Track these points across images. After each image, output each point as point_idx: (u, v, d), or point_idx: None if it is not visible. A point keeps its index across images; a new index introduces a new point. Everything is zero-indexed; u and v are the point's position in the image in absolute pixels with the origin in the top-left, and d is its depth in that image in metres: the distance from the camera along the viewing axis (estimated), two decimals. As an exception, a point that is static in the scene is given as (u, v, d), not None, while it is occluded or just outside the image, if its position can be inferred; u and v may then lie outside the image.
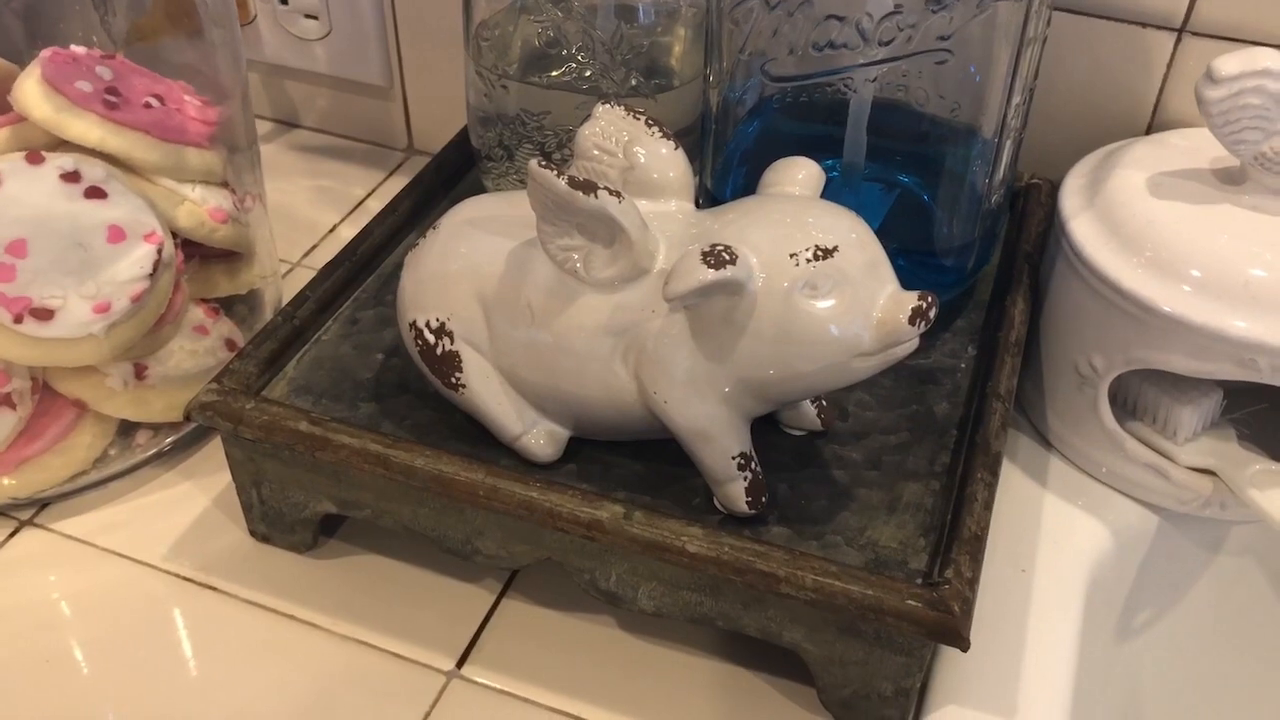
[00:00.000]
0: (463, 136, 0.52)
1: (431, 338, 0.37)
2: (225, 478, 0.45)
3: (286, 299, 0.52)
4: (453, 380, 0.37)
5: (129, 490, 0.45)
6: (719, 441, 0.35)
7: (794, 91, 0.42)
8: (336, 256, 0.45)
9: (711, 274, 0.31)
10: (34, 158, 0.42)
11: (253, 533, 0.43)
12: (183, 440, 0.46)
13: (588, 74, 0.43)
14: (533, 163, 0.33)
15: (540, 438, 0.38)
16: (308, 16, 0.60)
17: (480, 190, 0.50)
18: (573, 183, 0.33)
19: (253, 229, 0.48)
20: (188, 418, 0.39)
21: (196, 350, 0.46)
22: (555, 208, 0.34)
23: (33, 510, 0.44)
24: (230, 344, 0.47)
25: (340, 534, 0.43)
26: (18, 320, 0.40)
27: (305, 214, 0.60)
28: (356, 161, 0.64)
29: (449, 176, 0.51)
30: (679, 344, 0.34)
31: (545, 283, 0.35)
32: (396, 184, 0.62)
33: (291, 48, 0.61)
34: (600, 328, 0.35)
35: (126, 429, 0.45)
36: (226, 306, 0.49)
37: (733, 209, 0.35)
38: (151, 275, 0.42)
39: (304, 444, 0.38)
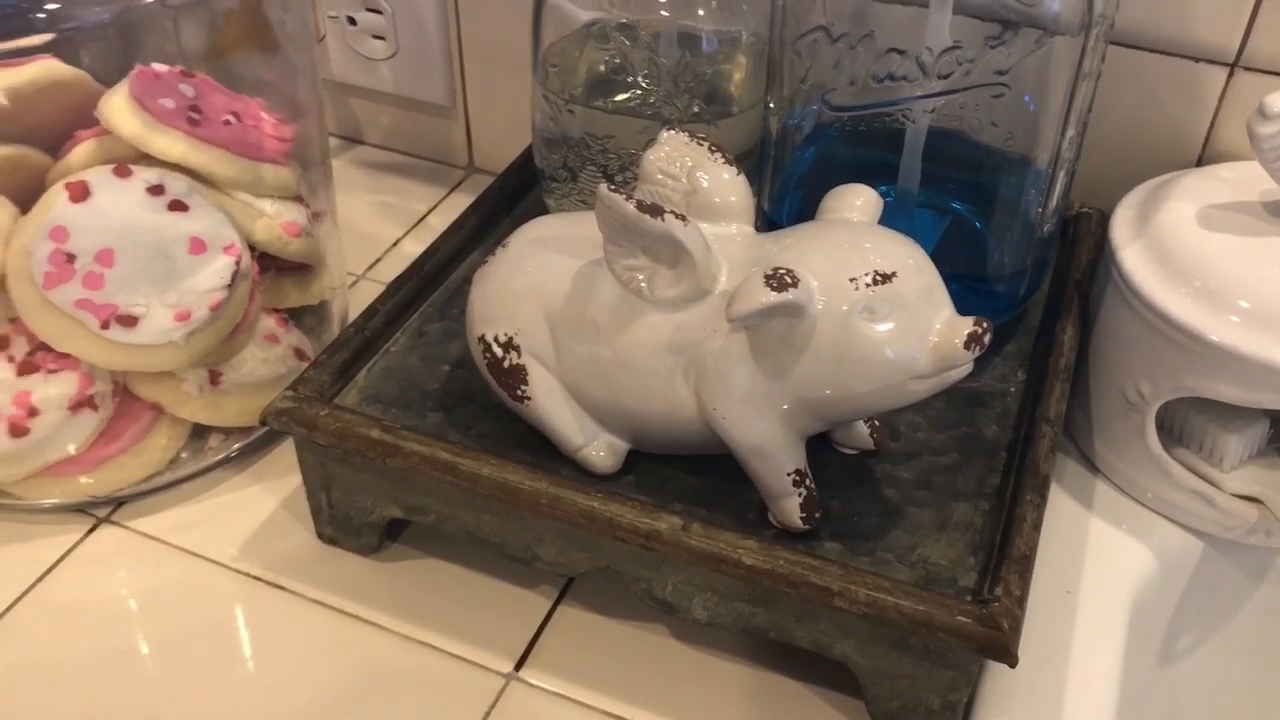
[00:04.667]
0: (525, 157, 0.53)
1: (499, 351, 0.39)
2: (293, 481, 0.46)
3: (352, 310, 0.54)
4: (518, 392, 0.39)
5: (200, 491, 0.47)
6: (775, 458, 0.36)
7: (852, 120, 0.43)
8: (405, 271, 0.47)
9: (774, 296, 0.33)
10: (121, 171, 0.44)
11: (320, 535, 0.44)
12: (252, 445, 0.48)
13: (651, 100, 0.45)
14: (602, 187, 0.35)
15: (601, 449, 0.39)
16: (375, 37, 0.62)
17: (542, 209, 0.51)
18: (641, 206, 0.34)
19: (323, 243, 0.50)
20: (264, 423, 0.41)
21: (268, 358, 0.48)
22: (623, 230, 0.35)
23: (109, 508, 0.46)
24: (299, 353, 0.49)
25: (403, 538, 0.45)
26: (105, 326, 0.42)
27: (369, 228, 0.62)
28: (418, 178, 0.66)
29: (511, 195, 0.53)
30: (739, 362, 0.35)
31: (610, 301, 0.37)
32: (457, 200, 0.64)
33: (359, 67, 0.64)
34: (662, 345, 0.36)
35: (199, 432, 0.47)
36: (295, 317, 0.51)
37: (792, 234, 0.36)
38: (230, 286, 0.44)
39: (375, 450, 0.39)
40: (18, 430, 0.43)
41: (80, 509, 0.46)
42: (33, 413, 0.43)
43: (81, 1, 0.40)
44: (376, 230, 0.62)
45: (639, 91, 0.45)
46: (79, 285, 0.41)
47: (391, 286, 0.46)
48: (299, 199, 0.49)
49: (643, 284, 0.36)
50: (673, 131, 0.39)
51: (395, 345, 0.45)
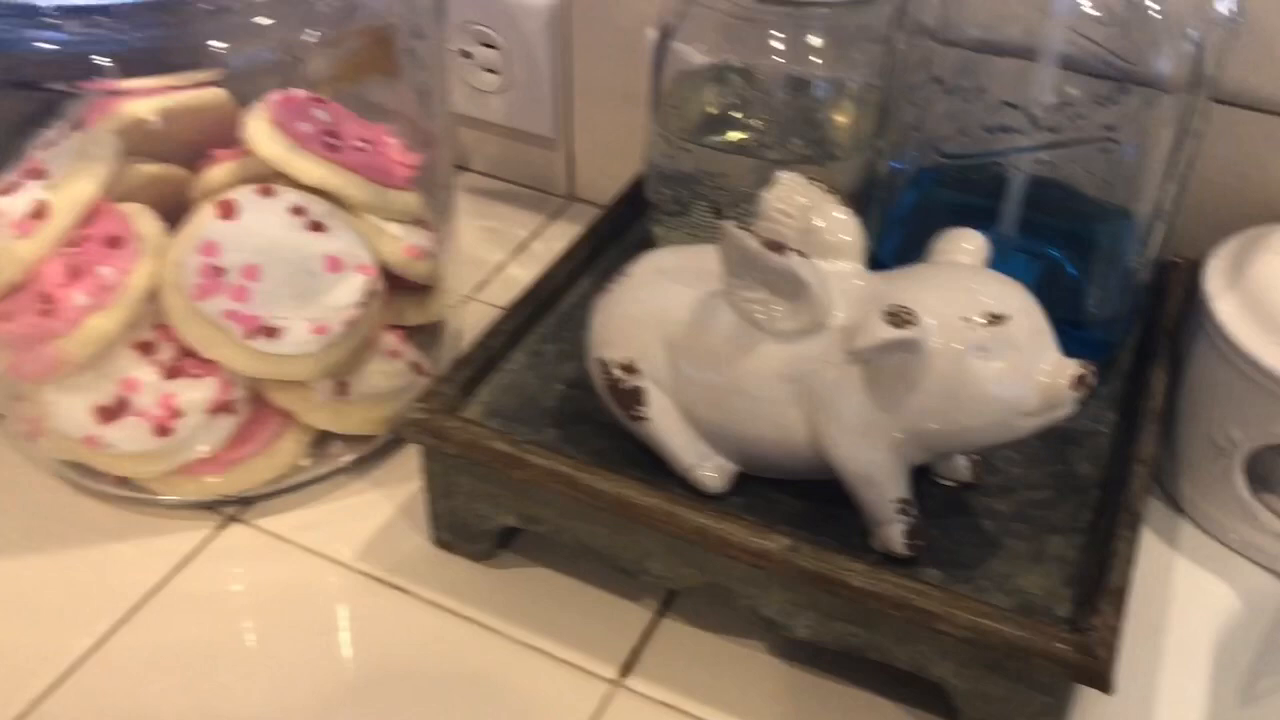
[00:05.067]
0: (632, 188, 0.56)
1: (618, 373, 0.41)
2: (409, 488, 0.49)
3: (464, 329, 0.57)
4: (635, 413, 0.41)
5: (322, 495, 0.50)
6: (882, 486, 0.38)
7: (954, 165, 0.45)
8: (523, 295, 0.50)
9: (894, 333, 0.35)
10: (266, 191, 0.47)
11: (436, 540, 0.47)
12: (372, 453, 0.51)
13: (763, 141, 0.47)
14: (728, 224, 0.37)
15: (711, 470, 0.41)
16: (488, 70, 0.65)
17: (647, 238, 0.54)
18: (765, 243, 0.36)
19: (441, 264, 0.53)
20: (395, 432, 0.44)
21: (389, 372, 0.50)
22: (745, 264, 0.38)
23: (237, 507, 0.49)
24: (417, 367, 0.52)
25: (513, 546, 0.47)
26: (249, 336, 0.45)
27: (475, 251, 0.65)
28: (520, 205, 0.69)
29: (618, 225, 0.55)
30: (852, 394, 0.37)
31: (728, 330, 0.39)
32: (557, 228, 0.67)
33: (470, 98, 0.67)
34: (777, 374, 0.38)
35: (322, 440, 0.50)
36: (410, 333, 0.54)
37: (907, 274, 0.39)
38: (363, 303, 0.47)
39: (500, 462, 0.42)
40: (162, 430, 0.46)
41: (211, 506, 0.49)
42: (176, 414, 0.46)
43: (245, 38, 0.43)
44: (482, 254, 0.65)
45: (751, 133, 0.47)
46: (227, 297, 0.44)
47: (512, 309, 0.49)
48: (421, 223, 0.52)
49: (761, 316, 0.38)
50: (790, 173, 0.41)
51: (513, 364, 0.48)
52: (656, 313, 0.41)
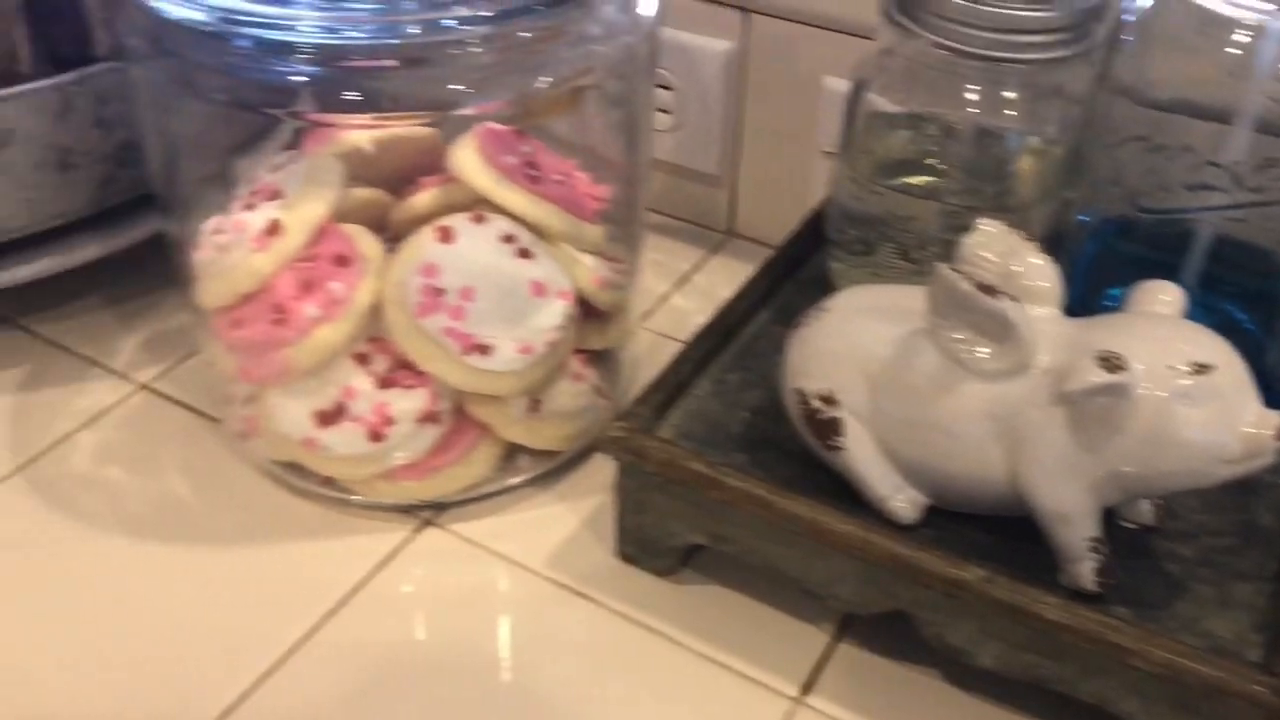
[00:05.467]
0: (804, 227, 0.58)
1: (817, 404, 0.43)
2: (592, 502, 0.52)
3: (636, 356, 0.59)
4: (832, 443, 0.43)
5: (510, 505, 0.53)
6: (1077, 524, 0.40)
7: (1144, 220, 0.47)
8: (707, 327, 0.52)
9: (1105, 377, 0.36)
10: (478, 219, 0.50)
11: (621, 554, 0.49)
12: (557, 468, 0.54)
13: (953, 188, 0.49)
14: (942, 266, 0.39)
15: (904, 502, 0.43)
16: (661, 110, 0.68)
17: (823, 276, 0.56)
18: (979, 286, 0.38)
19: (626, 295, 0.56)
20: (596, 448, 0.46)
21: (575, 392, 0.53)
22: (954, 305, 0.40)
23: (432, 512, 0.52)
24: (599, 390, 0.55)
25: (694, 563, 0.49)
26: (465, 353, 0.48)
27: (641, 283, 0.67)
28: (682, 239, 0.71)
29: (793, 262, 0.57)
30: (1055, 435, 0.39)
31: (931, 369, 0.41)
32: (718, 261, 0.69)
33: (641, 135, 0.70)
34: (980, 413, 0.40)
35: (511, 453, 0.53)
36: (591, 357, 0.56)
37: (1107, 322, 0.40)
38: (563, 326, 0.50)
39: (697, 482, 0.44)
40: (376, 435, 0.49)
41: (408, 510, 0.52)
42: (389, 421, 0.49)
43: (484, 84, 0.46)
44: (648, 284, 0.67)
45: (941, 179, 0.50)
46: (445, 316, 0.48)
47: (697, 338, 0.51)
48: (606, 255, 0.54)
49: (966, 356, 0.40)
50: (989, 221, 0.43)
51: (699, 390, 0.50)
52: (858, 348, 0.43)
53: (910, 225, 0.50)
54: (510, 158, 0.51)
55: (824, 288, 0.56)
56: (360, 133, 0.52)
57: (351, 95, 0.45)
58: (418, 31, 0.43)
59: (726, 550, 0.46)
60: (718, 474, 0.44)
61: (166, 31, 0.45)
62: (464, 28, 0.44)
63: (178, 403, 0.57)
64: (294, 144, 0.52)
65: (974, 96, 0.48)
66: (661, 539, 0.48)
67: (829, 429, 0.43)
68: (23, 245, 0.55)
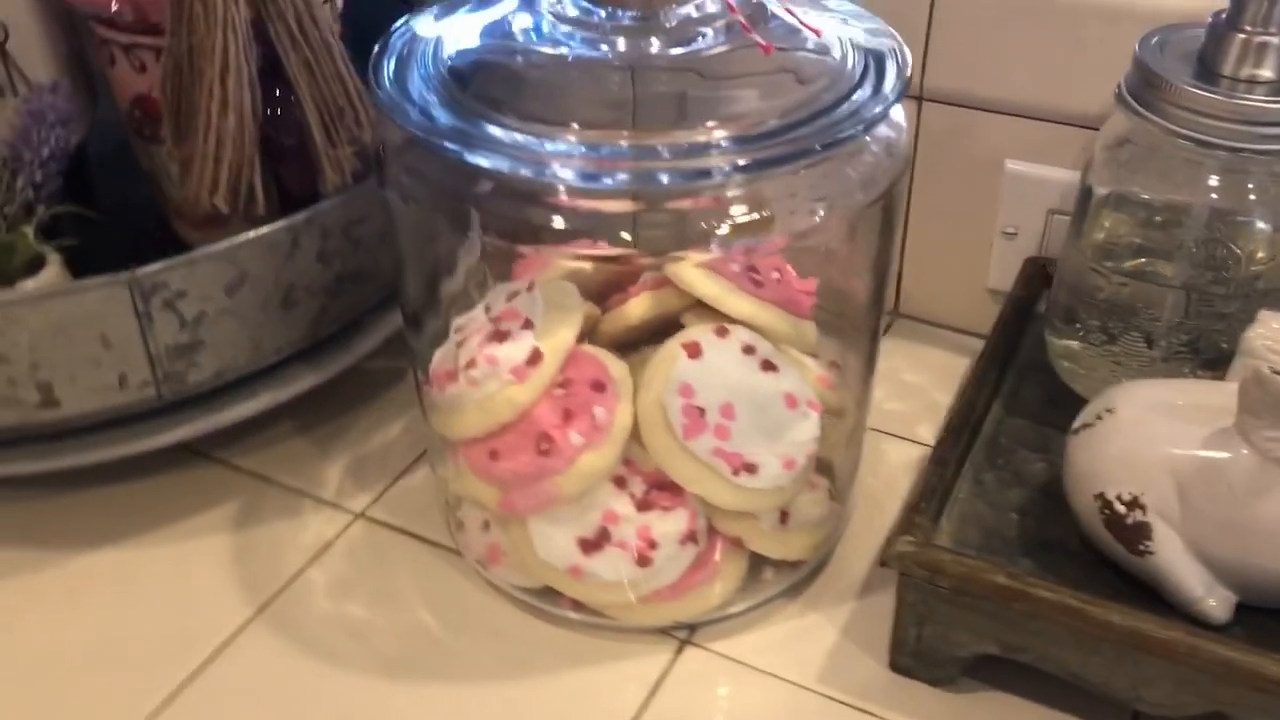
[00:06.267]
0: (1011, 312, 0.58)
1: (1122, 509, 0.43)
2: (845, 610, 0.52)
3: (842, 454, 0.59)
4: (1140, 547, 0.43)
5: (761, 619, 0.52)
6: None
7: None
8: (955, 423, 0.52)
9: None
10: (721, 332, 0.49)
11: (894, 665, 0.49)
12: (802, 578, 0.53)
13: (1198, 276, 0.49)
14: (1261, 368, 0.39)
15: (1218, 602, 0.43)
16: (826, 198, 0.68)
17: (1040, 363, 0.56)
18: (1305, 388, 0.38)
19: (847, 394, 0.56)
20: (884, 564, 0.46)
21: (815, 500, 0.53)
22: (1269, 405, 0.40)
23: (686, 631, 0.51)
24: (831, 494, 0.54)
25: (971, 671, 0.49)
26: (735, 473, 0.47)
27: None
28: (849, 323, 0.71)
29: (1007, 350, 0.57)
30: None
31: (1245, 467, 0.41)
32: (889, 344, 0.69)
33: (806, 224, 0.70)
34: (1304, 511, 0.40)
35: (755, 565, 0.52)
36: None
37: None
38: (820, 438, 0.49)
39: (1000, 595, 0.44)
40: (644, 560, 0.48)
41: (664, 631, 0.51)
42: (653, 545, 0.48)
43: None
44: (830, 373, 0.67)
45: (1182, 267, 0.50)
46: (711, 436, 0.47)
47: (950, 438, 0.51)
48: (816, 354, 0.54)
49: (1285, 455, 0.40)
50: (1272, 313, 0.43)
51: (960, 493, 0.50)
52: (1162, 450, 0.43)
53: (1157, 313, 0.50)
54: (733, 264, 0.51)
55: (1046, 375, 0.56)
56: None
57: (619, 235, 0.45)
58: (669, 181, 0.43)
59: (1020, 659, 0.46)
60: (1024, 586, 0.43)
61: (448, 173, 0.45)
62: (719, 178, 0.43)
63: (400, 530, 0.56)
64: (490, 266, 0.51)
65: (1214, 183, 0.48)
66: (945, 650, 0.47)
67: (1138, 534, 0.43)
68: (240, 382, 0.55)
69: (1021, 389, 0.56)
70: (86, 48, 0.60)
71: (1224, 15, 0.47)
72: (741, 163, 0.43)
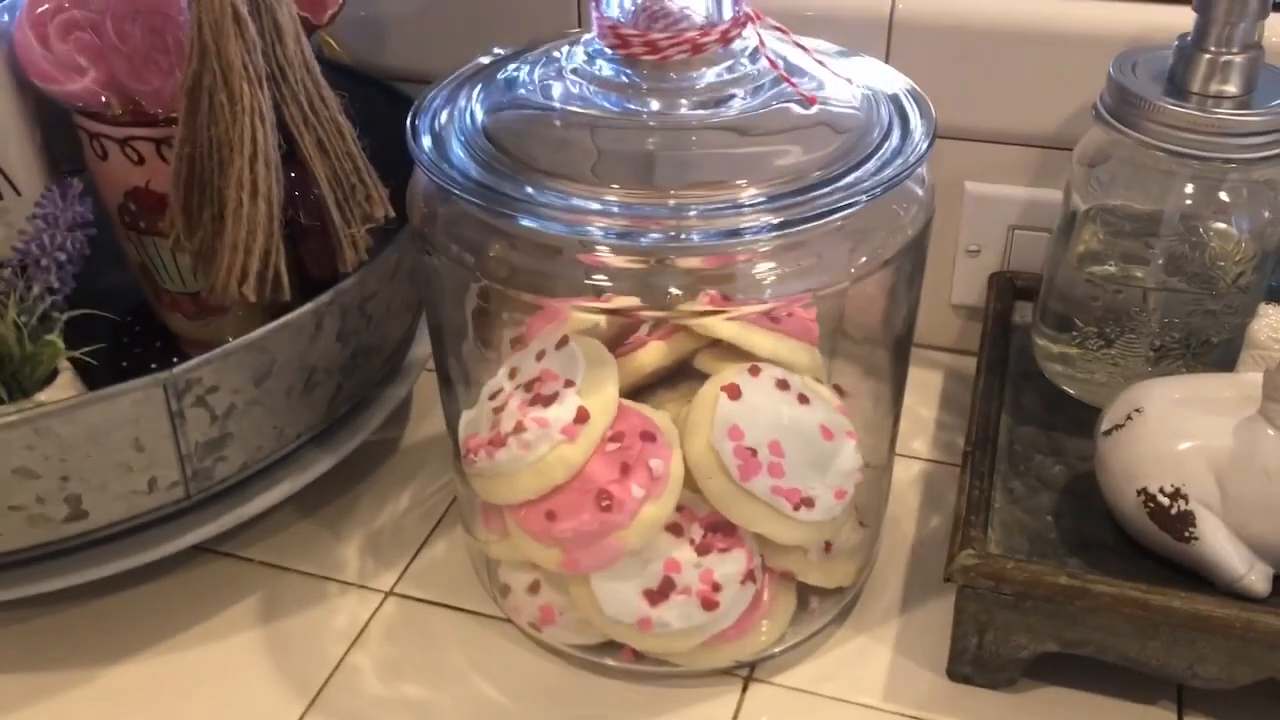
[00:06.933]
0: (994, 329, 0.61)
1: (1165, 501, 0.46)
2: (891, 628, 0.53)
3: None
4: (1186, 534, 0.46)
5: (816, 647, 0.53)
6: None
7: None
8: (978, 438, 0.54)
9: None
10: (754, 371, 0.50)
11: (952, 674, 0.51)
12: (847, 604, 0.55)
13: (1189, 280, 0.53)
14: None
15: (1258, 576, 0.46)
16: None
17: (1031, 372, 0.59)
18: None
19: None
20: (949, 579, 0.48)
21: (850, 527, 0.54)
22: (1294, 393, 0.43)
23: (746, 669, 0.52)
24: (861, 523, 0.56)
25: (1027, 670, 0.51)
26: (795, 508, 0.48)
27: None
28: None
29: (999, 362, 0.60)
30: None
31: (1278, 449, 0.44)
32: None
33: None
34: (1332, 484, 0.44)
35: (803, 597, 0.54)
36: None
37: None
38: (865, 465, 0.51)
39: (1063, 595, 0.46)
40: (709, 604, 0.49)
41: (727, 672, 0.52)
42: (716, 588, 0.49)
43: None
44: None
45: (1173, 272, 0.53)
46: (767, 475, 0.48)
47: (973, 452, 0.53)
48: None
49: (1311, 434, 0.44)
50: (1273, 305, 0.47)
51: (996, 504, 0.52)
52: (1198, 442, 0.46)
53: (1150, 315, 0.54)
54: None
55: (1038, 382, 0.60)
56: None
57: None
58: (703, 240, 0.44)
59: (1080, 653, 0.48)
60: (1085, 583, 0.46)
61: (487, 234, 0.45)
62: (753, 237, 0.44)
63: (435, 604, 0.56)
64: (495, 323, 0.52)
65: (1190, 190, 0.52)
66: (1005, 654, 0.49)
67: (1183, 522, 0.46)
68: (260, 473, 0.53)
69: (1021, 397, 0.59)
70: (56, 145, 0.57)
71: (1189, 38, 0.51)
72: (776, 221, 0.44)
